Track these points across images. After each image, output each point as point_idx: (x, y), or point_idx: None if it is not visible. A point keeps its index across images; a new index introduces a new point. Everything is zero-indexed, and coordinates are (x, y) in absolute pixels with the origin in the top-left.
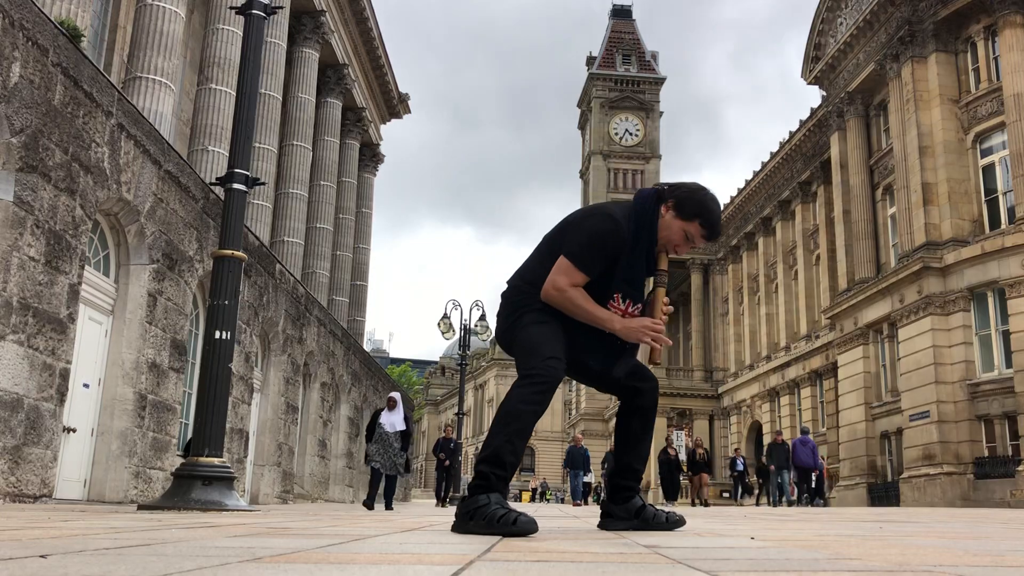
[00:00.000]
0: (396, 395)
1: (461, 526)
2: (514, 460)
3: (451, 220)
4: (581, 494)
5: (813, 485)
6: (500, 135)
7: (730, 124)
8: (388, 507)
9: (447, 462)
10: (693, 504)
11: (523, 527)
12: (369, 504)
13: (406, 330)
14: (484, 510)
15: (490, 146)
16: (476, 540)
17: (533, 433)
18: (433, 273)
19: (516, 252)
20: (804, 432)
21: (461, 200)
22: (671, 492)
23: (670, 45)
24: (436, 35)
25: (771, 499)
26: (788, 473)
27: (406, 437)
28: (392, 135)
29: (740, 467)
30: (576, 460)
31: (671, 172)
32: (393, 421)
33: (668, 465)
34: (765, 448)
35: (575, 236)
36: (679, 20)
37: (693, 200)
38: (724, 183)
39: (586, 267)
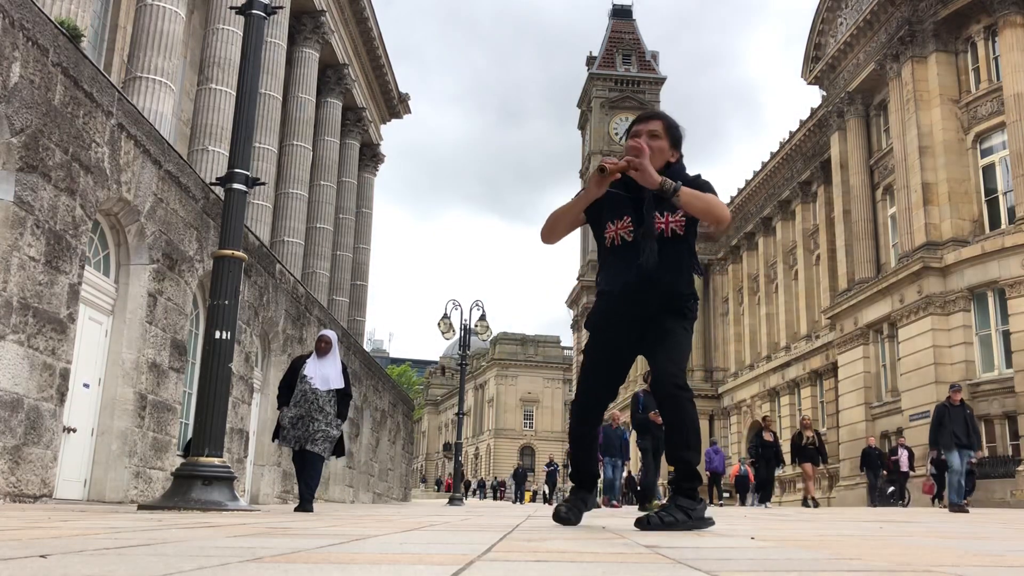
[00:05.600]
0: (330, 334)
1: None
2: None
3: (481, 214)
4: (618, 490)
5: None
6: (540, 128)
7: (770, 110)
8: (304, 505)
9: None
10: (805, 503)
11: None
12: (306, 505)
13: (408, 329)
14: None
15: (529, 139)
16: (476, 540)
17: (534, 432)
18: (451, 270)
19: (540, 249)
20: (713, 443)
21: (494, 194)
22: (763, 489)
23: (716, 30)
24: (483, 26)
25: (951, 495)
26: (963, 458)
27: (344, 400)
28: (429, 129)
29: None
30: (613, 445)
31: (704, 159)
32: (325, 374)
33: (763, 453)
34: (932, 417)
35: None
36: (728, 5)
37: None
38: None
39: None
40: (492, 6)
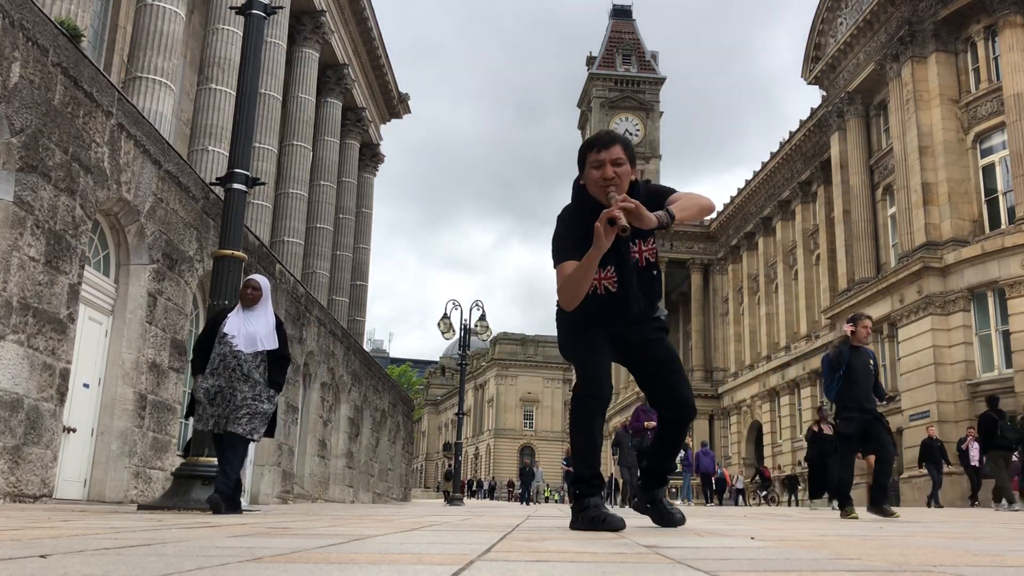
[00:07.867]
0: (261, 279)
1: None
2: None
3: (492, 214)
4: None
5: (714, 488)
6: (556, 125)
7: (788, 105)
8: (231, 505)
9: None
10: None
11: (613, 525)
12: (222, 505)
13: (409, 329)
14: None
15: (544, 137)
16: (476, 540)
17: (533, 432)
18: (458, 269)
19: (538, 248)
20: (704, 445)
21: (508, 191)
22: (819, 487)
23: (734, 26)
24: (504, 22)
25: None
26: None
27: (280, 364)
28: (445, 126)
29: None
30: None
31: (721, 155)
32: (251, 332)
33: (823, 448)
34: None
35: (552, 247)
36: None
37: (578, 153)
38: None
39: (564, 258)
40: (513, 2)
